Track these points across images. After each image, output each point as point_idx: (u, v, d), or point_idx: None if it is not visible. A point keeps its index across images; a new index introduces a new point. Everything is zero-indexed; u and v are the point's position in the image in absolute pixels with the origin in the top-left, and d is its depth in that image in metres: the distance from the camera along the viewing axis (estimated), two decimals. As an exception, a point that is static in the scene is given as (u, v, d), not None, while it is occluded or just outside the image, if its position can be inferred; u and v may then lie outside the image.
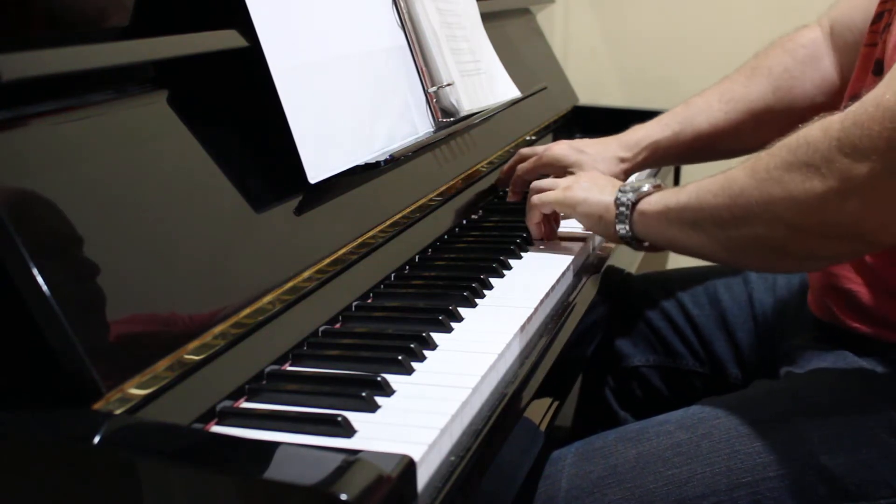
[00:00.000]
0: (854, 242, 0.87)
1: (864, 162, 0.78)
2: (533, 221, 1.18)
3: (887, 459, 0.89)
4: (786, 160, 0.85)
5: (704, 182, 0.95)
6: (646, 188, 1.03)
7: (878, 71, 1.00)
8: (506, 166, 1.39)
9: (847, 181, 0.80)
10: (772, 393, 1.01)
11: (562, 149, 1.31)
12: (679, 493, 0.90)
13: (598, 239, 1.22)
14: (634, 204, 1.03)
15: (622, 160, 1.31)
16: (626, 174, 1.32)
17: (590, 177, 1.15)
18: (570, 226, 1.24)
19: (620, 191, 1.05)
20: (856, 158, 0.79)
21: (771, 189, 0.86)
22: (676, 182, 1.85)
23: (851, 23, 1.20)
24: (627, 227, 1.04)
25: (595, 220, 1.09)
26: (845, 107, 0.83)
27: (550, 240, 1.19)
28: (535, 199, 1.16)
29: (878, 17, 1.03)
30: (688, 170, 1.85)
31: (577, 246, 1.16)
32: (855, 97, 1.02)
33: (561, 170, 1.29)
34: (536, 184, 1.19)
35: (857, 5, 1.18)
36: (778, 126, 1.27)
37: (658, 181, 1.05)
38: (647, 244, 1.05)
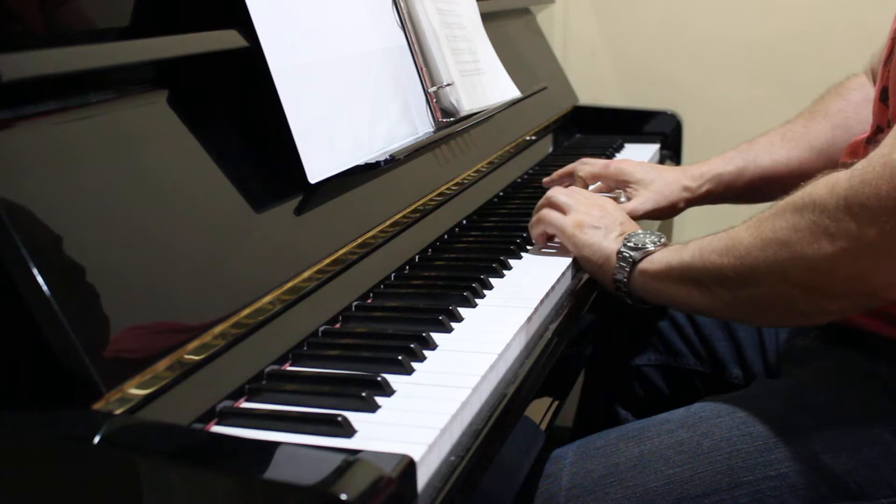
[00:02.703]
0: (864, 299, 0.86)
1: (873, 223, 0.78)
2: (536, 233, 1.16)
3: (889, 459, 0.89)
4: (793, 220, 0.84)
5: (707, 241, 0.94)
6: (650, 247, 1.02)
7: (885, 98, 1.00)
8: (562, 170, 1.39)
9: (857, 242, 0.79)
10: (773, 392, 1.01)
11: (630, 164, 1.33)
12: (680, 492, 0.90)
13: None
14: (636, 262, 1.02)
15: (686, 188, 1.32)
16: (687, 203, 1.33)
17: (603, 210, 1.13)
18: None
19: (625, 245, 1.03)
20: (865, 219, 0.78)
21: (778, 250, 0.85)
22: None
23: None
24: (625, 283, 1.03)
25: (594, 267, 1.08)
26: (849, 164, 0.82)
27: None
28: (545, 215, 1.14)
29: (890, 51, 1.03)
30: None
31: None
32: (874, 129, 1.02)
33: (624, 184, 1.33)
34: (553, 195, 1.16)
35: None
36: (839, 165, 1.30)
37: (663, 238, 1.03)
38: (639, 300, 1.04)
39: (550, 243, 1.18)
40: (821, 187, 0.83)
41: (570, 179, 1.37)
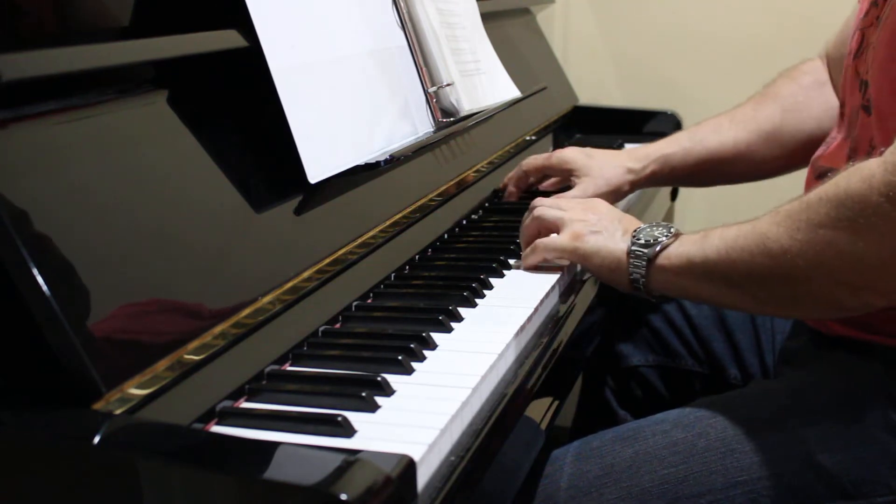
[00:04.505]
0: None
1: None
2: (534, 262, 1.06)
3: (884, 458, 0.89)
4: (830, 217, 0.81)
5: (731, 236, 0.90)
6: (662, 239, 0.96)
7: (865, 90, 1.00)
8: (512, 172, 1.39)
9: None
10: (768, 392, 1.01)
11: (570, 152, 1.31)
12: (675, 492, 0.90)
13: None
14: (651, 259, 0.96)
15: (630, 171, 1.30)
16: (632, 186, 1.31)
17: (597, 213, 1.06)
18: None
19: (634, 242, 0.98)
20: None
21: (821, 249, 0.82)
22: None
23: (844, 53, 1.21)
24: (643, 281, 0.97)
25: (607, 273, 1.01)
26: (827, 169, 0.81)
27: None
28: (542, 244, 1.05)
29: (860, 43, 1.03)
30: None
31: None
32: (854, 112, 1.02)
33: (567, 173, 1.30)
34: (541, 213, 1.08)
35: (848, 36, 1.18)
36: (788, 148, 1.29)
37: (673, 228, 0.98)
38: (661, 297, 1.00)
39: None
40: (856, 182, 0.80)
41: (524, 177, 1.36)
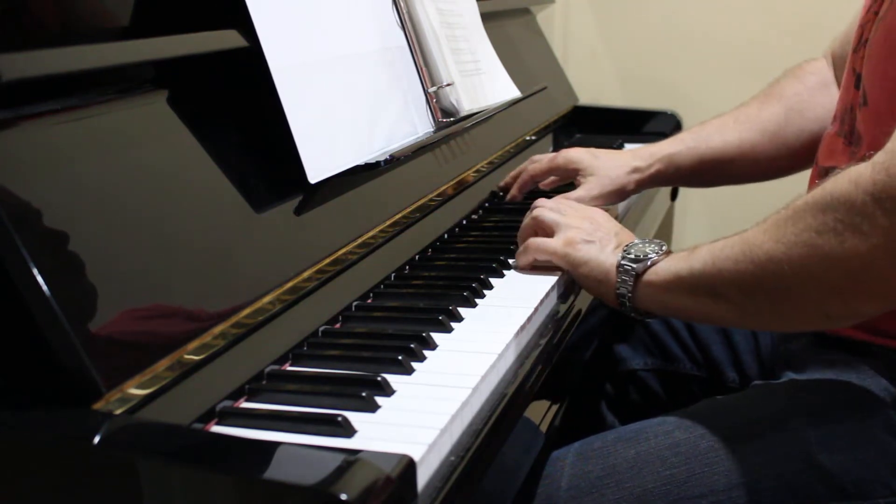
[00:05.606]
0: None
1: None
2: (525, 263, 1.08)
3: (885, 458, 0.89)
4: (816, 220, 0.80)
5: (718, 247, 0.89)
6: (652, 256, 0.96)
7: (858, 84, 1.00)
8: (514, 171, 1.39)
9: (891, 237, 0.75)
10: (769, 393, 1.01)
11: (576, 152, 1.31)
12: (677, 493, 0.90)
13: None
14: (639, 275, 0.96)
15: (635, 170, 1.30)
16: (637, 185, 1.31)
17: (595, 223, 1.06)
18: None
19: (624, 256, 0.97)
20: None
21: (805, 253, 0.80)
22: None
23: (848, 52, 1.21)
24: (629, 297, 0.97)
25: (594, 283, 1.01)
26: (830, 168, 0.80)
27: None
28: (533, 244, 1.06)
29: (859, 38, 1.03)
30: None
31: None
32: (846, 111, 1.02)
33: (574, 172, 1.30)
34: (541, 214, 1.09)
35: (851, 36, 1.18)
36: (792, 148, 1.28)
37: (665, 246, 0.97)
38: (645, 313, 0.99)
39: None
40: (843, 183, 0.79)
41: (529, 182, 1.36)
